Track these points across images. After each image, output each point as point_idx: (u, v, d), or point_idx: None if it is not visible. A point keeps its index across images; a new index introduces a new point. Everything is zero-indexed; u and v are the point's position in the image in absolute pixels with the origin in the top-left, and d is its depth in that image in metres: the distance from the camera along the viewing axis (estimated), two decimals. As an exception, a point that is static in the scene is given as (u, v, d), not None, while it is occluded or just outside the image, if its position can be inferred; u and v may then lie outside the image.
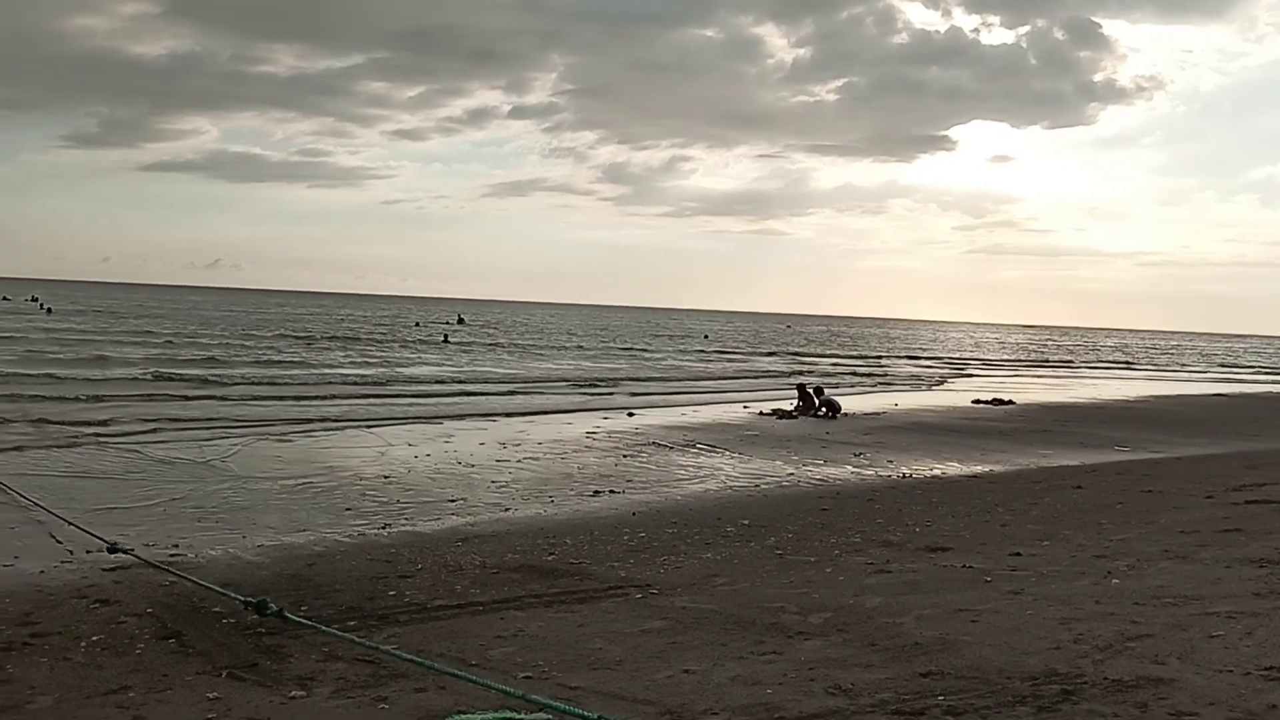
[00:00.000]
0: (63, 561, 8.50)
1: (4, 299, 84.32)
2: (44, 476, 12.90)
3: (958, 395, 35.39)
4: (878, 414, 25.59)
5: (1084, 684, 5.11)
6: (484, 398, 27.77)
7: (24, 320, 59.26)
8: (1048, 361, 73.75)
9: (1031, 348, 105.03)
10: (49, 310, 75.27)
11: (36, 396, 22.12)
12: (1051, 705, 4.83)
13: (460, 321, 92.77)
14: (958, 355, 78.34)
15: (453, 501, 12.05)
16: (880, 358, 68.01)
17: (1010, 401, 30.99)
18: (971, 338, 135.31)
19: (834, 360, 61.56)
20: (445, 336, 63.72)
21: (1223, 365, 79.52)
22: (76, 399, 22.13)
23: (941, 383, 44.41)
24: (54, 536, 9.41)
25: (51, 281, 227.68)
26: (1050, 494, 12.98)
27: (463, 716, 4.82)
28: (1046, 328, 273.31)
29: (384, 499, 12.06)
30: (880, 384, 41.72)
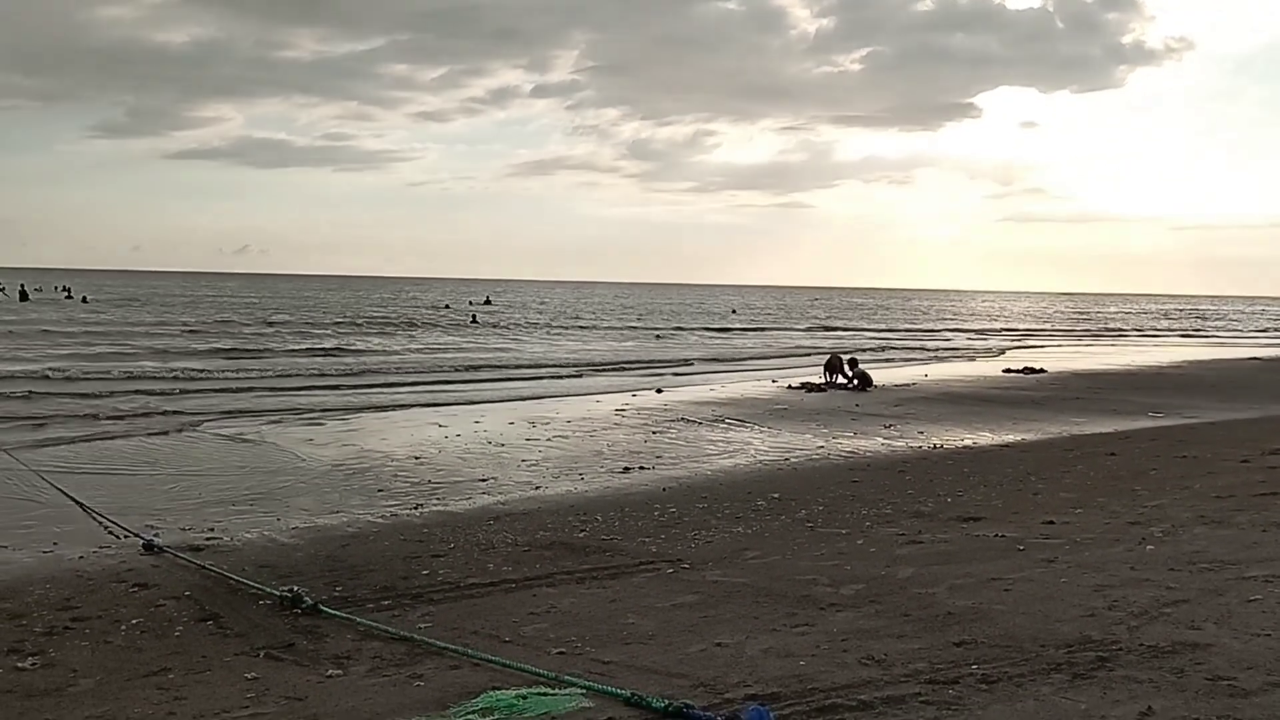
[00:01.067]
0: (101, 547, 8.62)
1: (36, 290, 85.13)
2: (79, 466, 13.08)
3: (989, 364, 35.16)
4: (907, 385, 25.46)
5: (1119, 650, 5.09)
6: (515, 384, 27.85)
7: (61, 312, 59.39)
8: (1080, 328, 73.10)
9: (1062, 314, 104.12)
10: (84, 300, 76.08)
11: (66, 392, 22.41)
12: (1086, 672, 4.82)
13: (487, 302, 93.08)
14: (988, 324, 77.80)
15: (483, 480, 12.11)
16: (909, 328, 67.65)
17: (1042, 369, 30.73)
18: (1001, 306, 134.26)
19: (862, 332, 61.33)
20: (473, 317, 63.94)
21: (1258, 329, 78.46)
22: (110, 393, 22.39)
23: (972, 352, 44.11)
24: (98, 522, 9.55)
25: (83, 271, 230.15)
26: (1083, 461, 12.88)
27: (497, 693, 4.86)
28: (1078, 294, 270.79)
29: (415, 479, 12.14)
30: (910, 355, 41.50)
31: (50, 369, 25.43)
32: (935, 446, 14.94)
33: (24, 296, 75.36)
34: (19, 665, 5.68)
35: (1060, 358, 39.57)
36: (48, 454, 13.65)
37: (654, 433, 16.40)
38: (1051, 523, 8.84)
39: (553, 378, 28.65)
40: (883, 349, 44.76)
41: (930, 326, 71.78)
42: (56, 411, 18.34)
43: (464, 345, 42.03)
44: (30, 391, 20.72)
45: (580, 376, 29.16)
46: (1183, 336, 65.76)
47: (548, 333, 53.64)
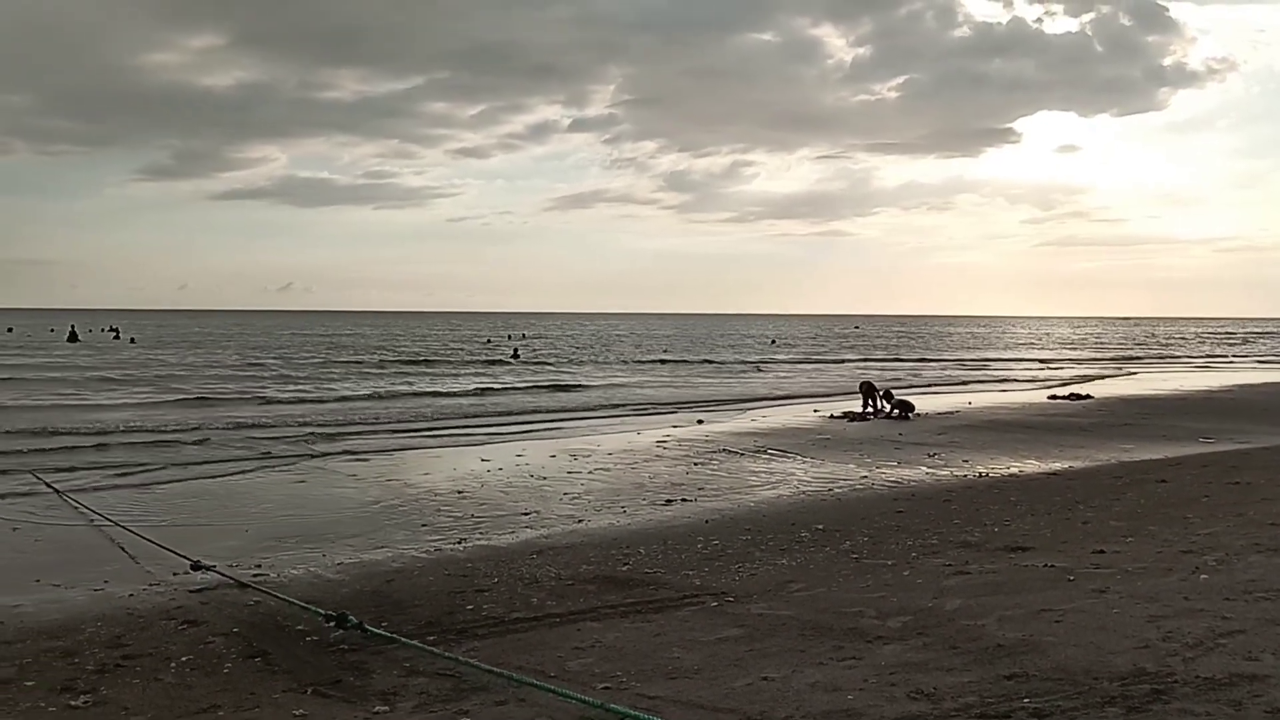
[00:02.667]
0: (151, 584, 8.73)
1: (87, 331, 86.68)
2: (128, 503, 13.27)
3: (1033, 391, 34.76)
4: (951, 413, 25.24)
5: (1174, 683, 4.99)
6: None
7: (104, 357, 58.55)
8: (1126, 353, 72.11)
9: (1108, 339, 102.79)
10: (132, 340, 77.31)
11: (98, 426, 22.75)
12: (1141, 705, 4.72)
13: (524, 337, 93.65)
14: (1031, 350, 76.99)
15: (526, 514, 12.14)
16: (952, 356, 67.10)
17: (1088, 395, 30.37)
18: (1044, 331, 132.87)
19: (904, 359, 60.90)
20: (515, 352, 64.21)
21: (1310, 351, 76.94)
22: (158, 430, 22.72)
23: (1015, 379, 43.64)
24: (135, 559, 9.67)
25: (131, 311, 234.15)
26: (1133, 489, 12.68)
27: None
28: (1123, 318, 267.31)
29: (458, 514, 12.19)
30: (953, 382, 41.16)
31: (102, 419, 25.76)
32: (981, 475, 14.79)
33: (73, 338, 76.70)
34: (71, 703, 5.75)
35: (1106, 383, 39.09)
36: (99, 496, 13.84)
37: (696, 464, 16.37)
38: (1102, 552, 8.71)
39: (596, 412, 28.69)
40: (925, 375, 44.45)
41: (972, 354, 71.14)
42: (89, 453, 18.63)
43: (512, 384, 41.14)
44: (100, 443, 20.97)
45: (622, 412, 29.16)
46: (1232, 360, 64.64)
47: (590, 366, 53.71)
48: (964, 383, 41.10)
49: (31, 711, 5.65)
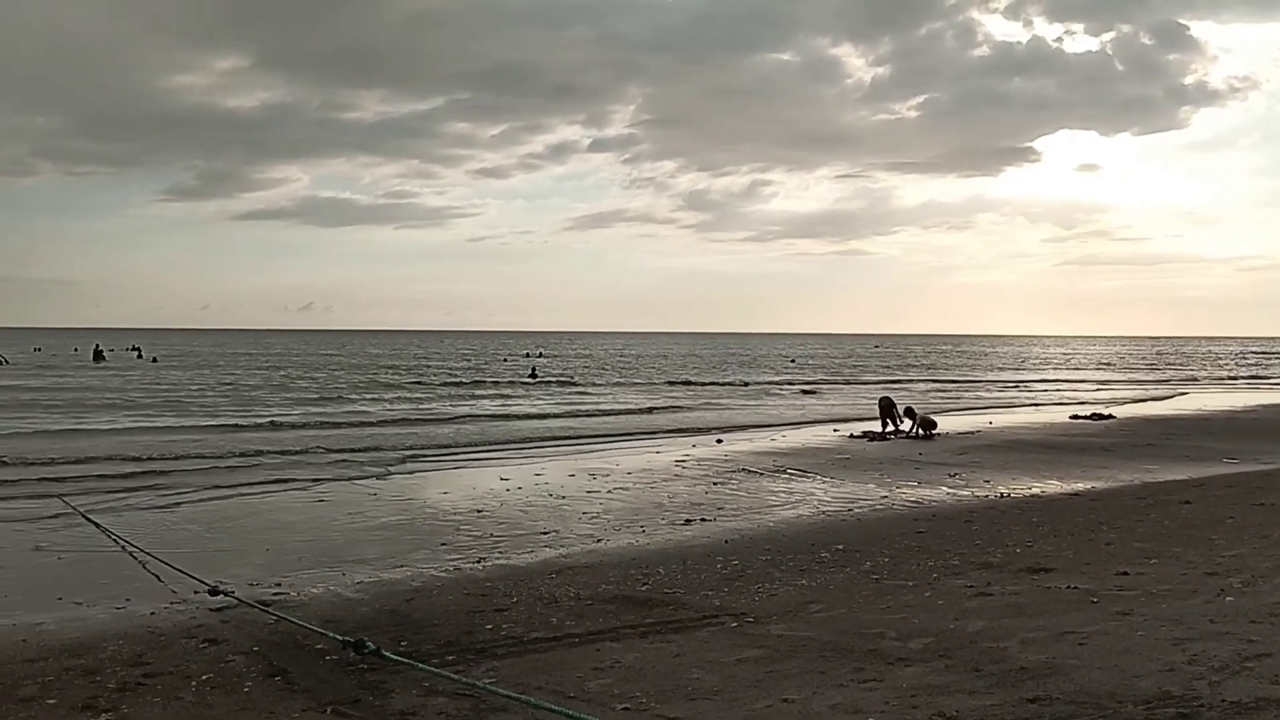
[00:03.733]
0: (172, 603, 8.77)
1: (110, 350, 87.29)
2: (152, 523, 13.36)
3: (1055, 411, 34.56)
4: (972, 433, 25.12)
5: (1200, 706, 4.93)
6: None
7: (122, 378, 58.36)
8: (1148, 373, 71.65)
9: (1130, 359, 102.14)
10: (154, 360, 77.82)
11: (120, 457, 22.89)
12: (1167, 730, 4.68)
13: (540, 355, 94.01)
14: (1052, 369, 76.59)
15: (545, 534, 12.14)
16: (972, 375, 66.81)
17: (1110, 415, 30.18)
18: (1066, 351, 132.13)
19: (924, 378, 60.66)
20: (533, 371, 64.29)
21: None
22: (177, 455, 22.84)
23: (1037, 399, 43.40)
24: (159, 578, 9.72)
25: (153, 330, 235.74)
26: (1156, 510, 12.58)
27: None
28: (1145, 338, 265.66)
29: (478, 532, 12.21)
30: (973, 402, 40.97)
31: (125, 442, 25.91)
32: (1002, 495, 14.70)
33: (98, 357, 77.26)
34: (94, 721, 5.77)
35: (1129, 403, 38.81)
36: (122, 516, 13.92)
37: (715, 484, 16.34)
38: (1126, 573, 8.64)
39: (613, 432, 28.68)
40: (945, 394, 44.25)
41: (993, 373, 70.82)
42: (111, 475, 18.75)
43: (528, 409, 40.71)
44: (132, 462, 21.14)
45: (640, 432, 29.15)
46: (1256, 380, 64.10)
47: (607, 385, 53.73)
48: (984, 402, 40.92)
49: (53, 729, 5.68)
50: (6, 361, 67.22)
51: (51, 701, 6.10)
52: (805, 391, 47.74)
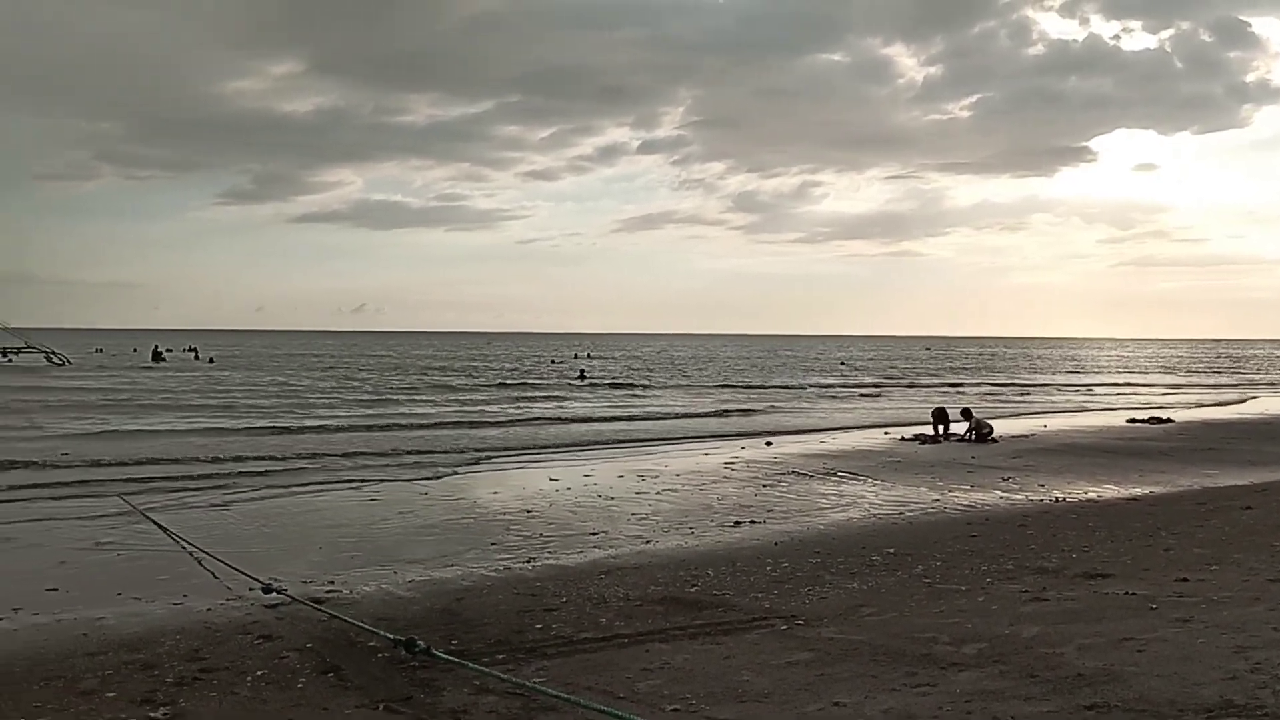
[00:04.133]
0: (228, 599, 8.90)
1: (168, 350, 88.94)
2: (207, 522, 13.58)
3: (1112, 415, 34.00)
4: (1026, 436, 24.80)
5: (1264, 715, 4.82)
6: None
7: (178, 378, 60.47)
8: (1208, 376, 70.25)
9: (1189, 361, 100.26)
10: (210, 360, 79.12)
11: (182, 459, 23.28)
12: (1230, 739, 4.57)
13: (589, 357, 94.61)
14: (1109, 373, 75.35)
15: (594, 534, 12.17)
16: (1026, 378, 65.93)
17: (1169, 419, 29.64)
18: (1123, 353, 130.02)
19: (976, 381, 59.96)
20: (581, 373, 64.51)
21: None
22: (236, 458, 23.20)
23: (1093, 402, 42.73)
24: (215, 575, 9.87)
25: (210, 332, 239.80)
26: (1217, 515, 12.32)
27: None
28: (1205, 340, 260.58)
29: (527, 533, 12.26)
30: (1027, 405, 40.44)
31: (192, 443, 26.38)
32: (1057, 500, 14.49)
33: (157, 357, 78.74)
34: (151, 715, 5.87)
35: (1188, 407, 38.09)
36: (181, 515, 14.16)
37: (764, 486, 16.28)
38: (1185, 580, 8.47)
39: (662, 433, 28.68)
40: (998, 397, 43.75)
41: (1047, 376, 69.84)
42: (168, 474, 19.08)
43: (577, 411, 40.53)
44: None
45: (689, 434, 29.12)
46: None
47: (656, 387, 53.73)
48: (1039, 405, 40.37)
49: (113, 722, 5.78)
50: (69, 362, 68.75)
51: (111, 695, 6.21)
52: (865, 395, 47.25)
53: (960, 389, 51.27)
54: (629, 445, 24.36)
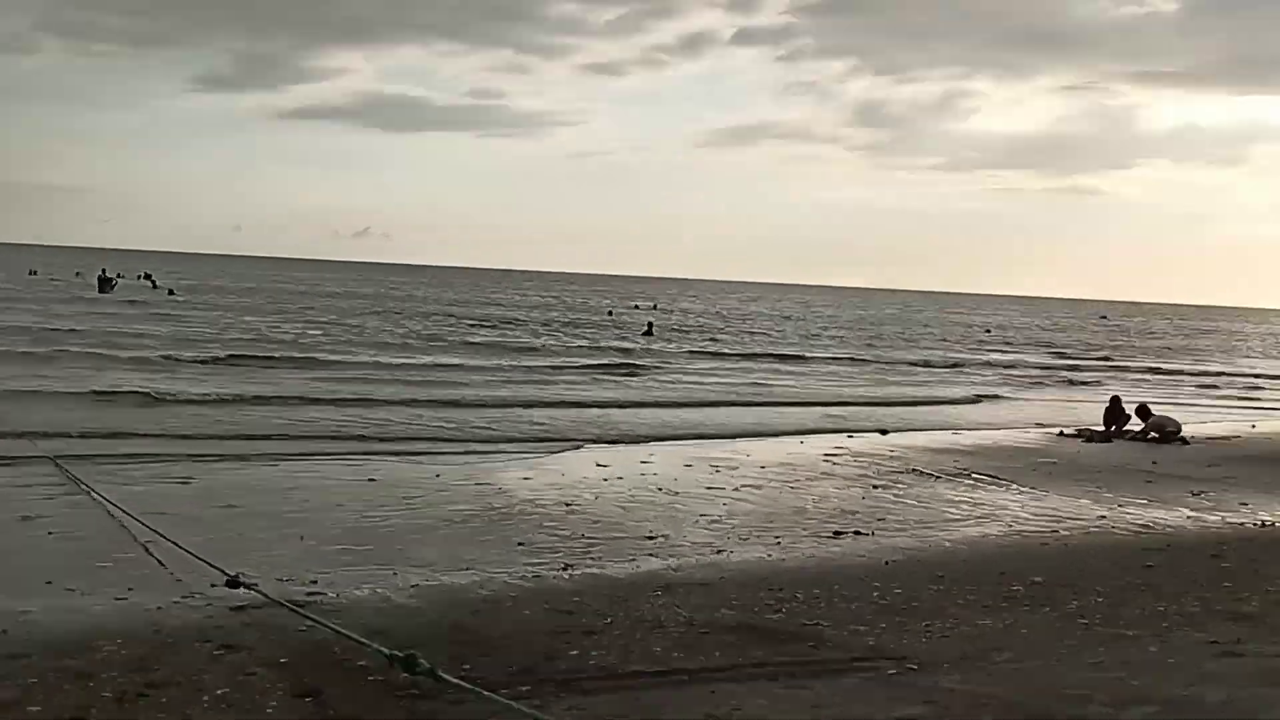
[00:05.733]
0: (184, 596, 9.10)
1: (119, 277, 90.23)
2: (161, 497, 13.90)
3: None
4: (1226, 439, 24.43)
5: None
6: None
7: (128, 314, 61.19)
8: None
9: None
10: (170, 292, 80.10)
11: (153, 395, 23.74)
12: None
13: (655, 308, 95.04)
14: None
15: (650, 539, 12.24)
16: (1232, 361, 64.78)
17: None
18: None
19: (1163, 364, 59.04)
20: (649, 327, 64.66)
21: None
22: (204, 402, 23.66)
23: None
24: (164, 564, 10.09)
25: (174, 255, 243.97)
26: None
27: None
28: None
29: (565, 532, 12.38)
30: (1232, 399, 39.78)
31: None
32: (1264, 524, 14.29)
33: (105, 285, 79.54)
34: (84, 736, 6.05)
35: None
36: (129, 489, 14.43)
37: (875, 487, 16.25)
38: None
39: (744, 411, 28.68)
40: (1192, 387, 43.10)
41: (1262, 361, 68.54)
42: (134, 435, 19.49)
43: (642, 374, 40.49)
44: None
45: (780, 414, 29.10)
46: None
47: (744, 354, 53.56)
48: (1248, 399, 39.70)
49: (36, 743, 5.97)
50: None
51: (34, 709, 6.38)
52: (1071, 382, 45.71)
53: (1141, 373, 50.53)
54: (700, 424, 24.41)
